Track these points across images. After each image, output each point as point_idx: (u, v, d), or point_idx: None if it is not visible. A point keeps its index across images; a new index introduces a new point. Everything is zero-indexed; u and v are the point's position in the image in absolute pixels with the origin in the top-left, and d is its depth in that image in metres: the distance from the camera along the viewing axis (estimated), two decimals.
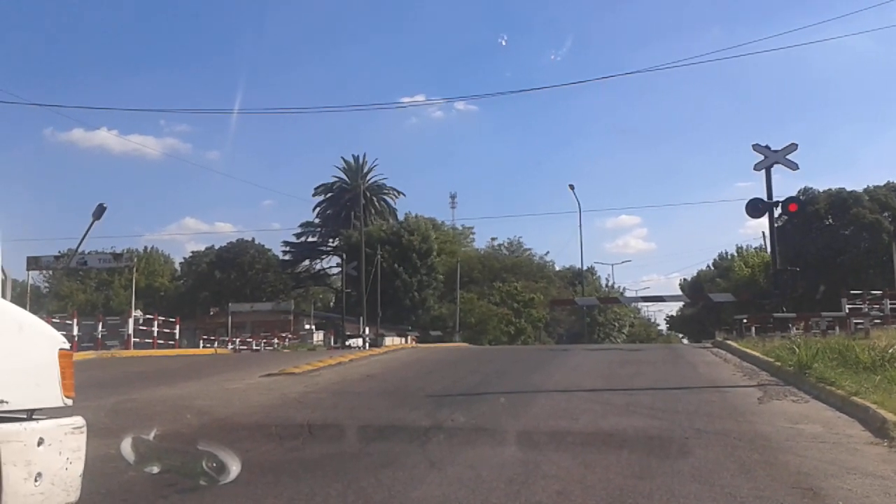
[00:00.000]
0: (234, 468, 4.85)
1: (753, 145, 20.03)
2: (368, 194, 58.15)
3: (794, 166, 19.76)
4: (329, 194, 61.11)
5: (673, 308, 69.62)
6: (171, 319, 24.75)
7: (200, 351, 23.46)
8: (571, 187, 46.45)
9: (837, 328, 18.23)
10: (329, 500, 4.93)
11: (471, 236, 67.12)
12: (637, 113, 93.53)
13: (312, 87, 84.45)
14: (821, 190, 45.87)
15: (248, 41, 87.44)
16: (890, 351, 10.69)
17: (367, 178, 60.62)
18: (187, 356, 20.53)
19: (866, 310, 19.40)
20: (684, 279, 69.07)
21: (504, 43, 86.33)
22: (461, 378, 11.92)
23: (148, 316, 23.68)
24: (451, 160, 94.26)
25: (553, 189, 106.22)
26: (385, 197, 62.19)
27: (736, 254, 56.93)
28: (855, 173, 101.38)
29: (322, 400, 9.38)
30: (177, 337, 24.66)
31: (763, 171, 19.77)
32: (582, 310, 48.26)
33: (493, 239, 65.79)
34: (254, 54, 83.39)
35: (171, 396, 9.86)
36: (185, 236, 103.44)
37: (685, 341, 55.49)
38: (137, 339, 22.54)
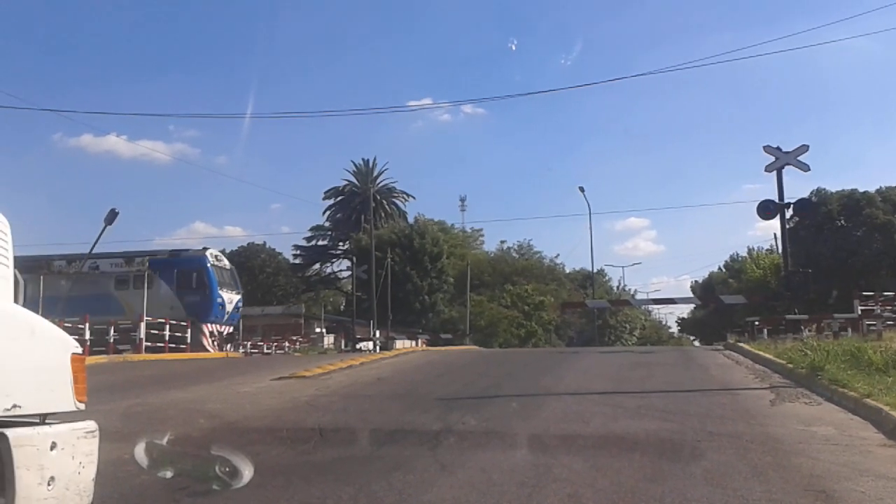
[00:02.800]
0: (247, 472, 4.85)
1: (764, 147, 19.98)
2: (378, 197, 58.22)
3: (805, 167, 19.68)
4: (339, 198, 61.24)
5: (684, 310, 69.45)
6: (183, 323, 24.87)
7: (211, 355, 23.52)
8: (581, 189, 46.43)
9: (850, 330, 18.12)
10: (340, 503, 4.94)
11: (480, 239, 67.13)
12: (645, 115, 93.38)
13: (321, 92, 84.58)
14: (833, 191, 45.64)
15: (257, 46, 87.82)
16: None
17: (377, 181, 60.74)
18: (199, 360, 20.60)
19: (879, 311, 19.27)
20: (695, 281, 68.89)
21: (514, 47, 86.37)
22: (471, 381, 11.91)
23: (160, 320, 23.79)
24: (461, 163, 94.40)
25: (562, 191, 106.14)
26: (395, 200, 62.29)
27: (747, 255, 56.66)
28: (866, 174, 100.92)
29: (333, 403, 9.39)
30: (188, 341, 24.75)
31: (774, 172, 19.73)
32: (592, 312, 48.19)
33: (502, 242, 65.82)
34: (263, 59, 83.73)
35: (182, 400, 9.88)
36: (195, 240, 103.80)
37: (697, 344, 55.30)
38: (149, 343, 22.64)
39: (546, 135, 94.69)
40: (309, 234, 61.40)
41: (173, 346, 23.76)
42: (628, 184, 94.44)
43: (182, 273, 28.27)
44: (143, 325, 22.66)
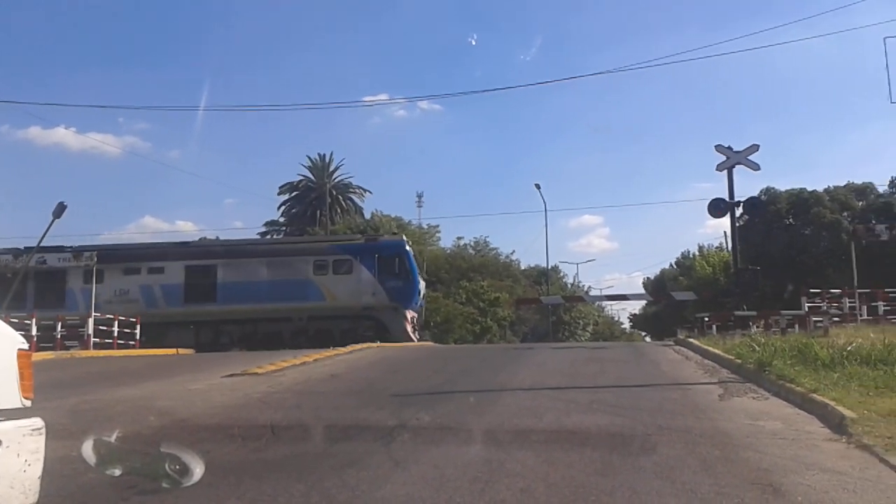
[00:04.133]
0: (198, 470, 4.79)
1: (716, 146, 20.40)
2: (335, 193, 57.91)
3: (755, 167, 20.14)
4: (295, 193, 60.67)
5: (636, 307, 70.37)
6: (132, 319, 24.39)
7: (162, 351, 23.10)
8: (537, 186, 46.69)
9: (797, 326, 18.54)
10: (292, 500, 4.90)
11: (437, 235, 67.01)
12: (603, 114, 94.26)
13: (277, 86, 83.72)
14: (782, 190, 46.64)
15: (212, 38, 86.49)
16: (848, 349, 10.91)
17: (334, 176, 60.33)
18: (149, 356, 20.25)
19: (825, 308, 19.77)
20: (647, 278, 69.84)
21: (474, 42, 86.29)
22: (426, 377, 11.92)
23: (108, 316, 23.27)
24: (418, 159, 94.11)
25: (519, 188, 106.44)
26: (351, 195, 61.88)
27: (698, 253, 57.61)
28: (815, 174, 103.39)
29: (285, 400, 9.32)
30: (138, 337, 24.26)
31: (725, 171, 20.14)
32: (547, 308, 48.51)
33: (459, 238, 65.66)
34: (218, 51, 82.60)
35: (131, 397, 9.72)
36: (144, 235, 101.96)
37: (648, 339, 56.09)
38: (97, 340, 22.17)
39: (504, 132, 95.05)
40: (263, 229, 60.77)
41: (122, 342, 23.30)
42: (583, 181, 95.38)
43: (383, 259, 27.49)
44: (91, 322, 22.18)
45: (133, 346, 23.42)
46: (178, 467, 4.76)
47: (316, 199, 56.46)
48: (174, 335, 26.09)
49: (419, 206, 67.97)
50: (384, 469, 5.70)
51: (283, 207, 60.84)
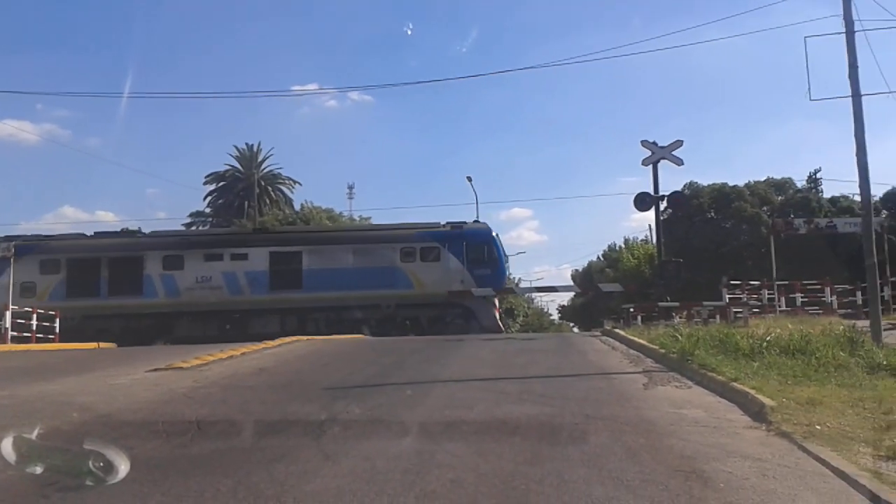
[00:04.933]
0: (123, 467, 4.66)
1: (642, 141, 20.89)
2: (263, 183, 56.92)
3: (679, 162, 20.71)
4: (221, 183, 59.35)
5: (565, 298, 71.40)
6: (52, 312, 23.53)
7: (83, 345, 22.35)
8: (469, 179, 46.88)
9: (718, 317, 19.10)
10: (219, 496, 4.82)
11: None
12: (534, 109, 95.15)
13: (204, 74, 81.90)
14: (704, 184, 47.97)
15: (136, 24, 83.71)
16: (768, 339, 11.30)
17: (262, 166, 59.32)
18: (69, 351, 19.58)
19: (745, 299, 20.43)
20: (576, 270, 71.03)
21: (409, 32, 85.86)
22: (358, 370, 11.84)
23: (26, 309, 22.37)
24: (348, 151, 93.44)
25: (451, 181, 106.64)
26: (280, 186, 60.94)
27: (623, 245, 58.79)
28: (736, 169, 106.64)
29: (212, 395, 9.13)
30: (57, 331, 23.41)
31: (650, 166, 20.63)
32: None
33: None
34: (142, 38, 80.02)
35: (51, 392, 9.39)
36: (63, 225, 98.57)
37: (576, 330, 57.04)
38: (15, 333, 21.33)
39: (436, 124, 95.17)
40: (188, 219, 59.35)
41: (41, 336, 22.47)
42: (513, 174, 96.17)
43: (471, 246, 26.94)
44: (8, 315, 21.32)
45: (52, 340, 22.60)
46: (101, 464, 4.63)
47: (244, 190, 55.39)
48: (259, 323, 25.44)
49: (350, 198, 67.65)
50: (314, 463, 5.64)
51: (209, 198, 59.52)
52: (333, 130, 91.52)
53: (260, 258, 26.60)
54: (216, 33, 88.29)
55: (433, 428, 7.04)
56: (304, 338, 18.32)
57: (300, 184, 61.52)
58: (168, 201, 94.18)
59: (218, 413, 7.96)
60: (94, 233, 27.94)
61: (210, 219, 58.73)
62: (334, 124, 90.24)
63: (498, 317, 26.70)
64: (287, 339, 17.60)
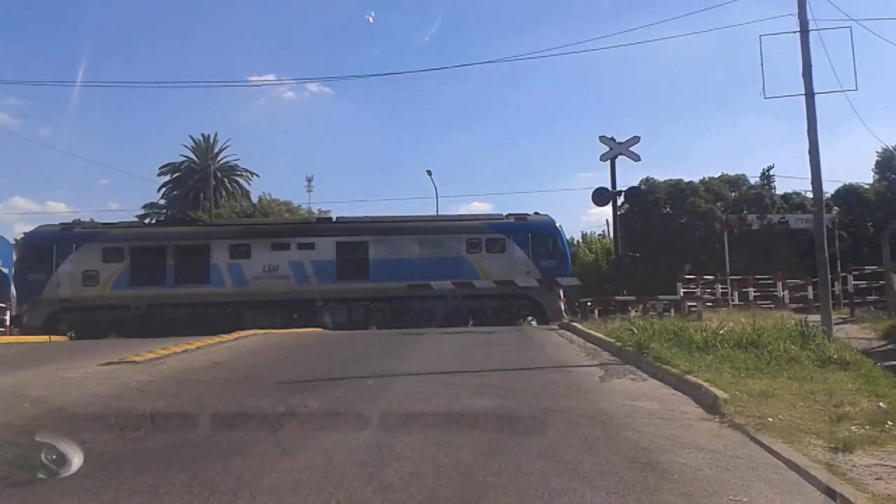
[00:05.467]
0: (76, 460, 4.57)
1: (600, 137, 21.10)
2: (219, 175, 56.18)
3: (636, 157, 20.95)
4: (176, 174, 58.40)
5: None
6: (2, 305, 22.93)
7: (34, 338, 21.83)
8: (429, 173, 46.77)
9: (673, 311, 19.38)
10: (174, 491, 4.75)
11: None
12: (494, 103, 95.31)
13: (159, 64, 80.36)
14: (661, 180, 48.67)
15: (90, 12, 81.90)
16: (721, 332, 11.50)
17: (218, 158, 58.51)
18: (19, 343, 19.14)
19: (699, 293, 20.76)
20: None
21: (371, 20, 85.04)
22: (315, 364, 11.76)
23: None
24: (307, 143, 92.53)
25: (411, 174, 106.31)
26: (237, 178, 60.20)
27: (581, 240, 59.33)
28: (691, 165, 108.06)
29: (166, 389, 8.99)
30: (7, 323, 22.80)
31: (608, 161, 20.84)
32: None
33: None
34: (95, 26, 78.21)
35: (2, 386, 9.24)
36: (13, 216, 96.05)
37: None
38: None
39: (396, 117, 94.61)
40: (142, 211, 58.34)
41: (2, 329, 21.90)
42: (473, 169, 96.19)
43: (536, 238, 26.76)
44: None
45: (3, 333, 22.05)
46: (54, 457, 4.54)
47: (199, 182, 54.60)
48: (327, 313, 25.12)
49: (309, 191, 66.85)
50: (271, 457, 5.59)
51: (163, 189, 58.58)
52: (291, 122, 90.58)
53: (327, 248, 26.47)
54: (172, 22, 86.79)
55: (392, 421, 7.03)
56: (262, 331, 18.13)
57: (258, 175, 60.93)
58: (121, 192, 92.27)
59: (173, 407, 7.85)
60: (156, 220, 27.42)
61: (164, 210, 57.82)
62: (292, 116, 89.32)
63: (563, 308, 26.89)
64: (244, 333, 17.41)
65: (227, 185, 58.38)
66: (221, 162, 58.51)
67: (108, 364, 11.18)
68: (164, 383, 9.40)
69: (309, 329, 21.56)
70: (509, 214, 27.80)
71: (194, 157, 58.38)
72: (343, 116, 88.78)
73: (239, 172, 60.14)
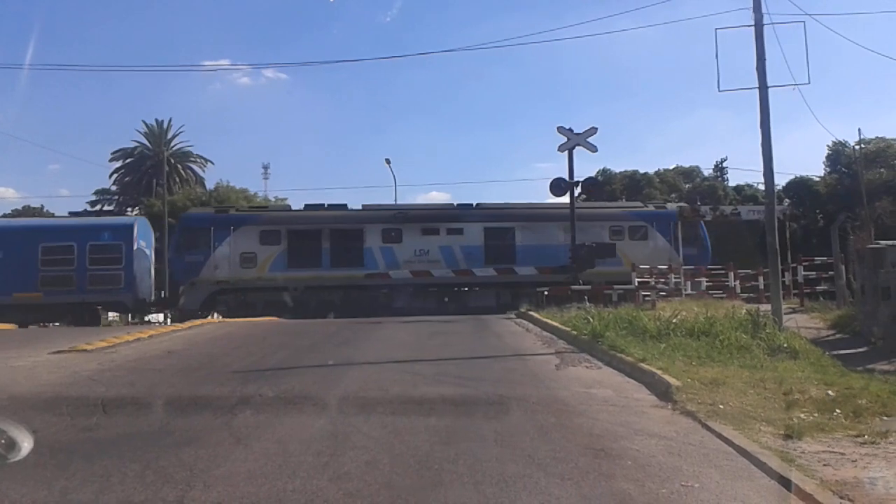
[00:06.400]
0: (26, 444, 4.44)
1: (558, 128, 21.23)
2: (173, 161, 55.12)
3: (593, 148, 21.11)
4: (128, 160, 57.20)
5: None
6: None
7: None
8: (387, 161, 46.49)
9: (627, 300, 19.57)
10: (126, 480, 4.68)
11: None
12: (454, 92, 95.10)
13: (111, 47, 78.53)
14: (617, 171, 49.27)
15: None
16: (674, 321, 11.69)
17: (172, 144, 57.47)
18: None
19: (653, 283, 20.99)
20: None
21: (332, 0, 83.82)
22: (271, 353, 11.66)
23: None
24: (263, 130, 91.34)
25: (369, 162, 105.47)
26: (191, 165, 59.16)
27: None
28: (646, 157, 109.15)
29: (118, 378, 8.84)
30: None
31: (566, 152, 20.98)
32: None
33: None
34: (44, 7, 76.21)
35: None
36: None
37: None
38: None
39: (354, 104, 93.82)
40: (94, 198, 57.11)
41: None
42: (432, 158, 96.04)
43: (677, 226, 27.23)
44: None
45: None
46: (2, 441, 4.42)
47: (152, 168, 53.54)
48: (476, 297, 26.15)
49: (265, 178, 66.11)
50: (225, 446, 5.54)
51: (115, 175, 57.38)
52: (247, 108, 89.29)
53: (475, 233, 27.06)
54: (124, 4, 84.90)
55: (348, 410, 7.01)
56: (216, 320, 17.93)
57: (212, 163, 59.97)
58: (72, 178, 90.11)
59: (125, 396, 7.73)
60: (305, 205, 27.48)
61: (116, 197, 56.73)
62: (248, 102, 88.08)
63: None
64: (198, 322, 17.22)
65: (181, 171, 57.36)
66: (175, 148, 57.46)
67: (58, 353, 10.96)
68: (115, 372, 9.25)
69: (265, 318, 21.37)
70: (649, 203, 28.71)
71: (147, 143, 57.25)
72: (300, 103, 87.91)
73: (193, 159, 59.15)
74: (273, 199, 54.39)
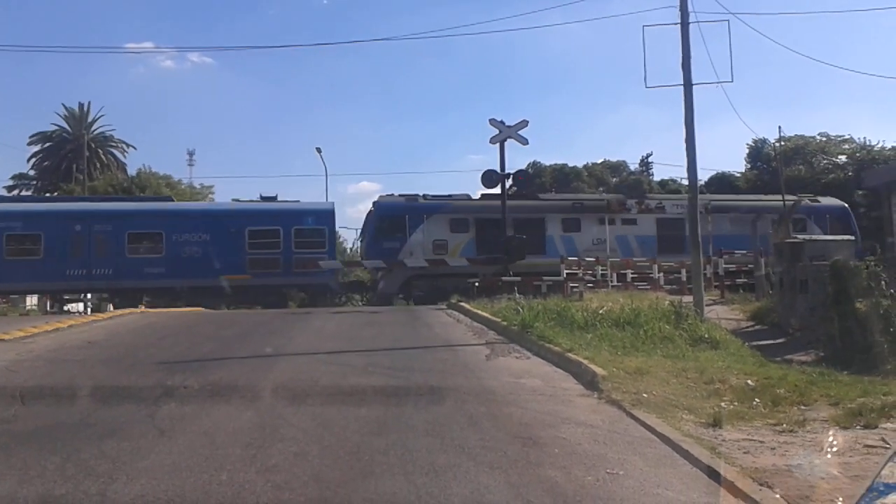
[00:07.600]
0: None
1: (490, 120, 21.41)
2: (93, 146, 53.35)
3: (524, 141, 21.38)
4: (47, 144, 55.09)
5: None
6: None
7: None
8: (318, 150, 45.97)
9: (556, 291, 19.83)
10: (45, 473, 4.54)
11: (210, 196, 64.20)
12: (386, 81, 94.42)
13: (25, 26, 75.25)
14: (547, 164, 49.88)
15: None
16: (601, 312, 11.91)
17: (92, 128, 55.59)
18: None
19: (581, 275, 21.35)
20: None
21: None
22: (197, 344, 11.42)
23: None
24: (188, 115, 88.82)
25: (299, 151, 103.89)
26: (113, 150, 57.24)
27: None
28: (576, 151, 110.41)
29: (36, 368, 8.55)
30: None
31: (497, 144, 21.16)
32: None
33: (235, 200, 63.37)
34: None
35: None
36: None
37: None
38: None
39: (284, 91, 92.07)
40: (10, 182, 54.85)
41: None
42: (363, 147, 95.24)
43: (833, 219, 27.75)
44: None
45: None
46: None
47: (72, 152, 51.68)
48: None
49: (190, 165, 64.45)
50: (148, 438, 5.42)
51: (33, 160, 55.21)
52: (171, 93, 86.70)
53: (648, 224, 27.95)
54: None
55: (277, 401, 6.94)
56: (139, 310, 17.47)
57: (134, 148, 58.05)
58: None
59: (44, 387, 7.49)
60: (482, 195, 26.93)
61: (35, 182, 54.61)
62: (172, 86, 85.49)
63: None
64: (118, 312, 16.74)
65: (102, 156, 55.50)
66: (96, 132, 55.54)
67: None
68: (34, 363, 8.94)
69: (190, 308, 20.91)
70: (807, 196, 29.11)
71: (67, 127, 55.22)
72: (227, 88, 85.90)
73: (114, 144, 57.23)
74: (199, 187, 53.19)
